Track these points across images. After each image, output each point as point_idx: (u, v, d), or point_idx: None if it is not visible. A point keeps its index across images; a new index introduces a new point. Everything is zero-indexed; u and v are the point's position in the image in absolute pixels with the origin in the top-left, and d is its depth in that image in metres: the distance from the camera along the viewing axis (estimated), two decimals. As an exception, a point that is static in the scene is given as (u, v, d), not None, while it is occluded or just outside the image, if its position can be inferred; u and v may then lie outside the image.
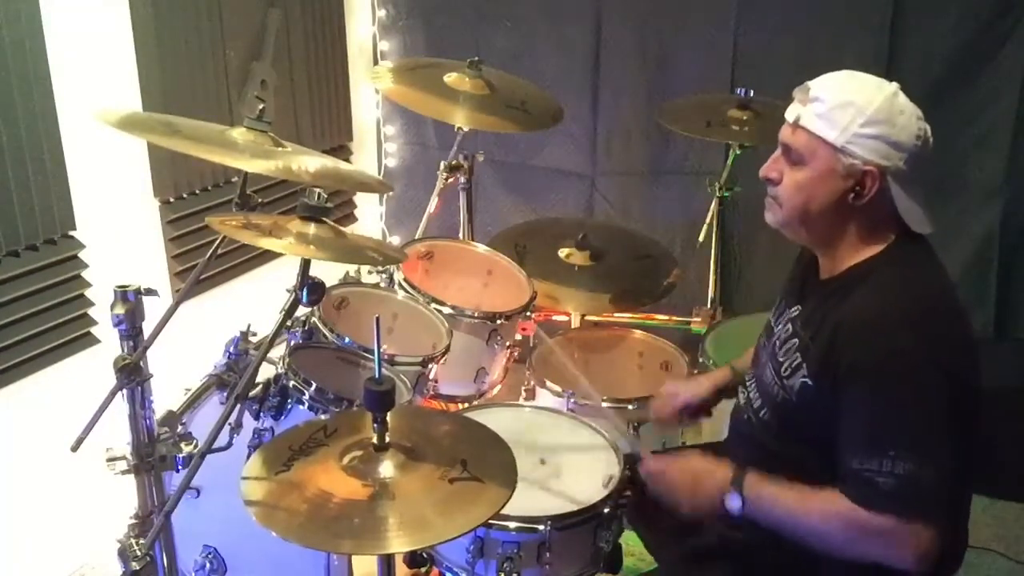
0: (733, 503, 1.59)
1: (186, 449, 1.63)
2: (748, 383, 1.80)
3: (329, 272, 1.77)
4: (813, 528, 1.53)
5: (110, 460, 1.60)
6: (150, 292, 1.61)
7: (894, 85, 1.55)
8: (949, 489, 1.49)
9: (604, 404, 2.14)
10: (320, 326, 2.12)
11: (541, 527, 1.74)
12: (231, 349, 2.08)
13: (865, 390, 1.48)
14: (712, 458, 1.69)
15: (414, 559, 1.88)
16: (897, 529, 1.46)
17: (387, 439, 1.44)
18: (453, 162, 2.71)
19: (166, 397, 1.91)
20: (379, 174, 3.85)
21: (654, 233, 3.37)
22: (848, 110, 1.51)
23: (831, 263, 1.64)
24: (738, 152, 2.83)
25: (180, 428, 1.88)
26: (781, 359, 1.64)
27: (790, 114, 1.59)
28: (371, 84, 3.70)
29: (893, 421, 1.47)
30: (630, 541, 1.97)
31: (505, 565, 1.74)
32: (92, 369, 2.47)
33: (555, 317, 2.95)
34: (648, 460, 1.77)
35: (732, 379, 1.98)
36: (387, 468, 1.42)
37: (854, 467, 1.48)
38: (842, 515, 1.49)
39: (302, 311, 2.04)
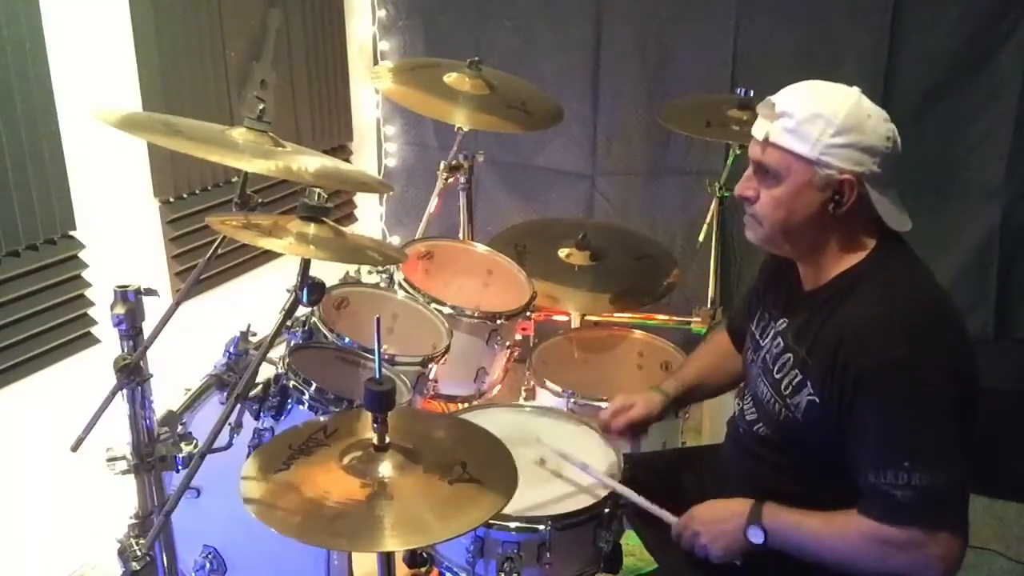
0: (755, 537, 1.58)
1: (186, 449, 1.63)
2: (744, 397, 1.79)
3: (329, 272, 1.76)
4: (839, 550, 1.53)
5: (110, 460, 1.60)
6: (150, 292, 1.61)
7: (855, 90, 1.55)
8: (964, 492, 1.49)
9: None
10: (320, 326, 2.12)
11: (541, 527, 1.74)
12: (231, 349, 2.07)
13: (873, 402, 1.47)
14: (727, 500, 1.67)
15: (414, 559, 1.88)
16: (924, 541, 1.45)
17: (387, 439, 1.44)
18: (453, 162, 2.71)
19: (166, 397, 1.91)
20: (379, 174, 3.85)
21: (654, 233, 3.37)
22: (817, 122, 1.50)
23: (815, 273, 1.63)
24: (738, 152, 2.83)
25: (180, 428, 1.88)
26: (778, 376, 1.63)
27: (758, 132, 1.57)
28: (371, 84, 3.70)
29: (904, 431, 1.46)
30: (630, 541, 1.97)
31: (505, 565, 1.74)
32: (92, 369, 2.47)
33: (555, 317, 2.95)
34: (675, 525, 1.73)
35: (668, 401, 1.97)
36: (386, 468, 1.42)
37: (871, 481, 1.47)
38: (866, 534, 1.48)
39: (302, 311, 2.04)
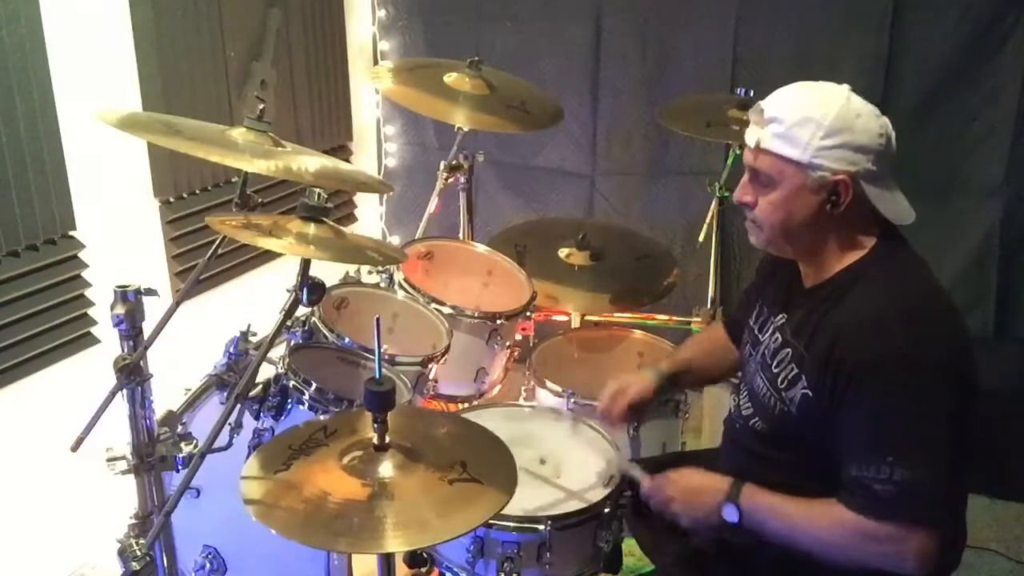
0: (730, 514, 1.59)
1: (186, 449, 1.63)
2: (741, 391, 1.79)
3: (329, 272, 1.76)
4: (815, 537, 1.53)
5: (110, 460, 1.60)
6: (150, 292, 1.61)
7: (845, 88, 1.54)
8: (946, 491, 1.49)
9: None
10: (320, 326, 2.12)
11: (541, 527, 1.74)
12: (231, 349, 2.08)
13: (863, 396, 1.48)
14: (708, 472, 1.68)
15: (414, 559, 1.88)
16: (900, 536, 1.46)
17: (387, 439, 1.44)
18: (453, 162, 2.71)
19: (166, 397, 1.91)
20: (379, 174, 3.85)
21: (654, 233, 3.37)
22: (807, 126, 1.50)
23: (816, 271, 1.63)
24: (738, 152, 2.83)
25: (180, 428, 1.89)
26: (775, 370, 1.63)
27: (750, 138, 1.58)
28: (371, 84, 3.70)
29: (891, 427, 1.46)
30: (629, 541, 1.97)
31: (505, 565, 1.74)
32: (92, 369, 2.47)
33: (555, 317, 2.95)
34: (646, 480, 1.76)
35: (663, 378, 1.98)
36: (387, 468, 1.42)
37: (853, 474, 1.48)
38: (844, 523, 1.49)
39: (302, 311, 2.04)
